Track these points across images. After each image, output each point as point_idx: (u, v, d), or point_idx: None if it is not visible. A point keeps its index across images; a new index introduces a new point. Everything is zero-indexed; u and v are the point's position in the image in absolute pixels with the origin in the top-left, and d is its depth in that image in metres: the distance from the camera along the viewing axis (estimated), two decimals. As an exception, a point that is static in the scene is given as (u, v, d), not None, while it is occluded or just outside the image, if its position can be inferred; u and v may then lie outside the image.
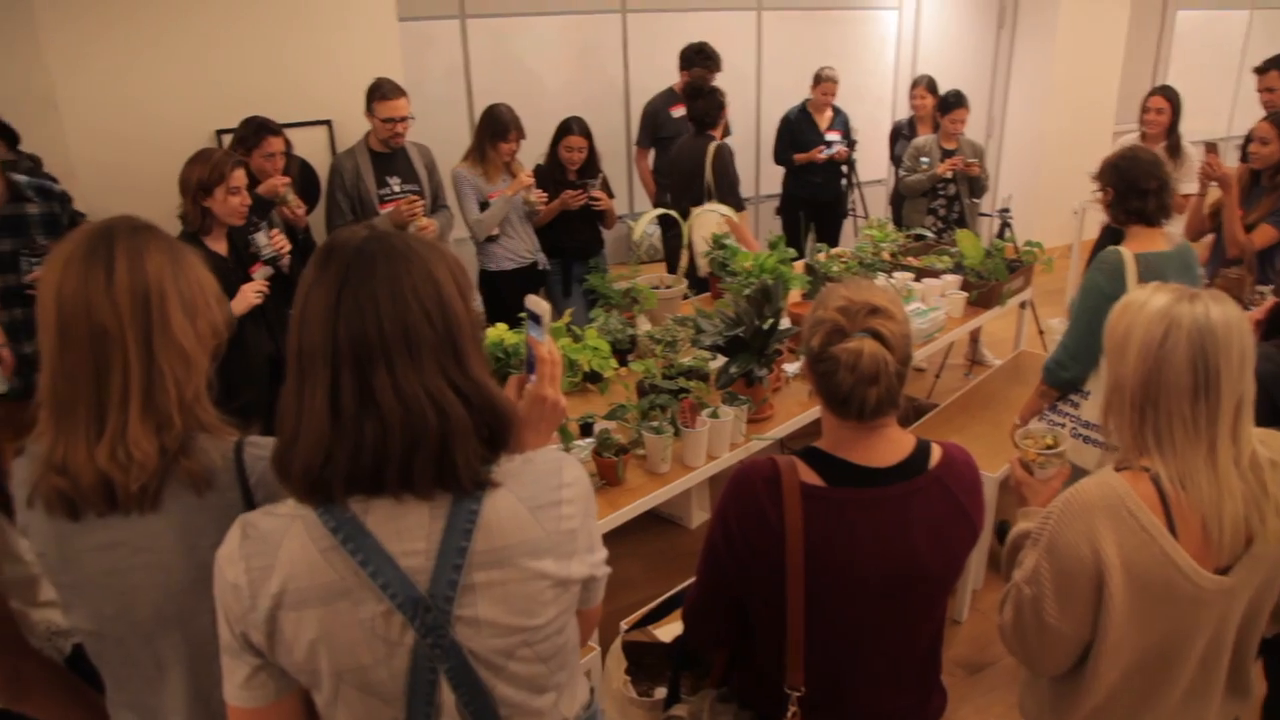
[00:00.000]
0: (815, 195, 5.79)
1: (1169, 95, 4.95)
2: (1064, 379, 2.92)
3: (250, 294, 3.21)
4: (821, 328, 1.46)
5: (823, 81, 5.61)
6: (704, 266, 4.17)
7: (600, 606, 1.31)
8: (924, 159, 5.26)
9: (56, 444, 1.26)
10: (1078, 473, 1.81)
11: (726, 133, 5.42)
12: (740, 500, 1.48)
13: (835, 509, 1.45)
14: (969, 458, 1.57)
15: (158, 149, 3.74)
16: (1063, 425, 2.94)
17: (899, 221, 5.32)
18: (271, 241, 3.32)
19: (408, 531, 1.09)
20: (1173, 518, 1.42)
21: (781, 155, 5.78)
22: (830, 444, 1.52)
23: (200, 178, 3.06)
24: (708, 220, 4.17)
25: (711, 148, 4.47)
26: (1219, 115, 9.69)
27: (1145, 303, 1.47)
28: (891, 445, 1.50)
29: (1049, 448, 1.83)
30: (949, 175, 5.18)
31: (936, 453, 1.53)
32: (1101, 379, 2.80)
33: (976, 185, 5.29)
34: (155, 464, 1.25)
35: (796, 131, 5.69)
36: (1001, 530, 3.70)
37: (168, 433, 1.27)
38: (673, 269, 4.40)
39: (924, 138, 5.41)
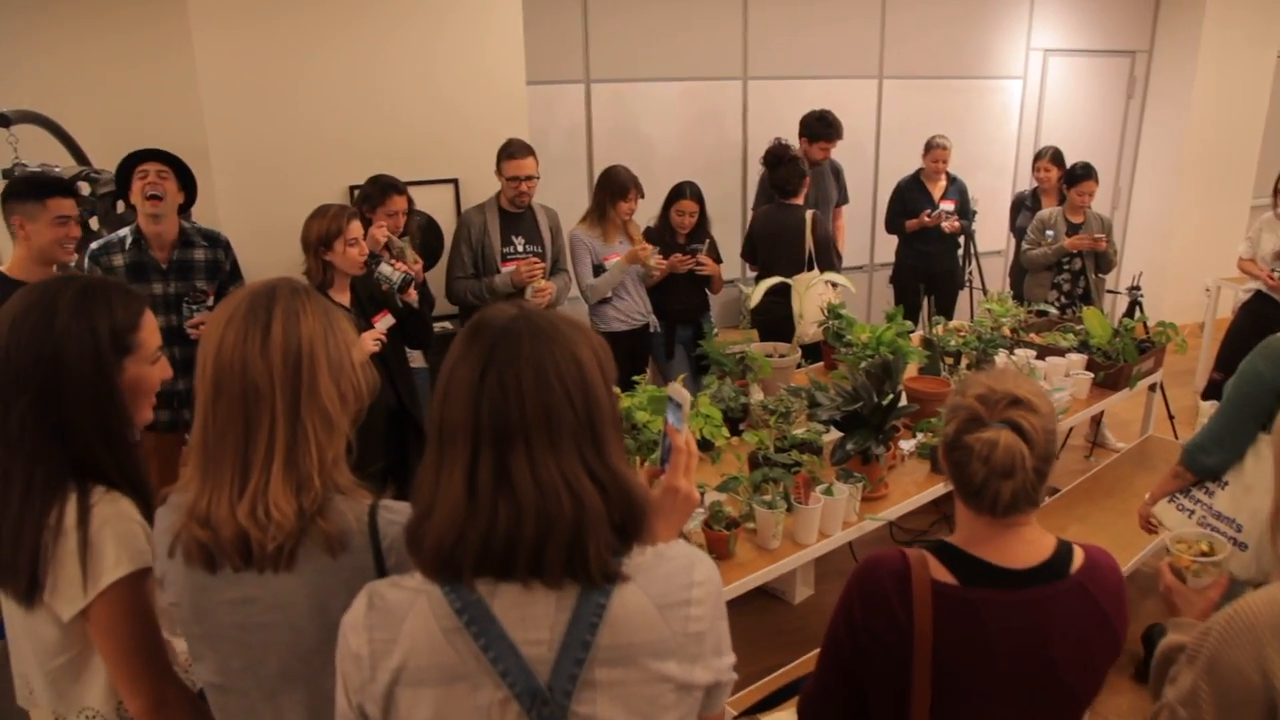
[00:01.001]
0: (929, 265, 5.67)
1: None
2: (1205, 465, 2.74)
3: (369, 343, 3.27)
4: (958, 415, 1.41)
5: (933, 149, 5.50)
6: (812, 334, 4.15)
7: (723, 713, 1.27)
8: (1049, 232, 5.11)
9: (201, 495, 1.30)
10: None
11: (844, 200, 5.41)
12: (867, 594, 1.43)
13: (968, 610, 1.38)
14: (1114, 563, 1.48)
15: (295, 202, 3.88)
16: (1192, 512, 2.78)
17: (1019, 295, 5.16)
18: (395, 268, 3.38)
19: (532, 619, 1.08)
20: None
21: (893, 223, 5.67)
22: (964, 539, 1.45)
23: (320, 233, 3.17)
24: (818, 288, 4.14)
25: (809, 216, 4.44)
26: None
27: None
28: (1030, 545, 1.43)
29: (1204, 554, 1.70)
30: (1074, 250, 5.03)
31: (1079, 556, 1.45)
32: (1244, 471, 2.67)
33: (1104, 261, 5.10)
34: (292, 524, 1.28)
35: (908, 200, 5.59)
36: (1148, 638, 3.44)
37: (306, 494, 1.29)
38: (765, 336, 4.38)
39: (1049, 210, 5.25)
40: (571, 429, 1.08)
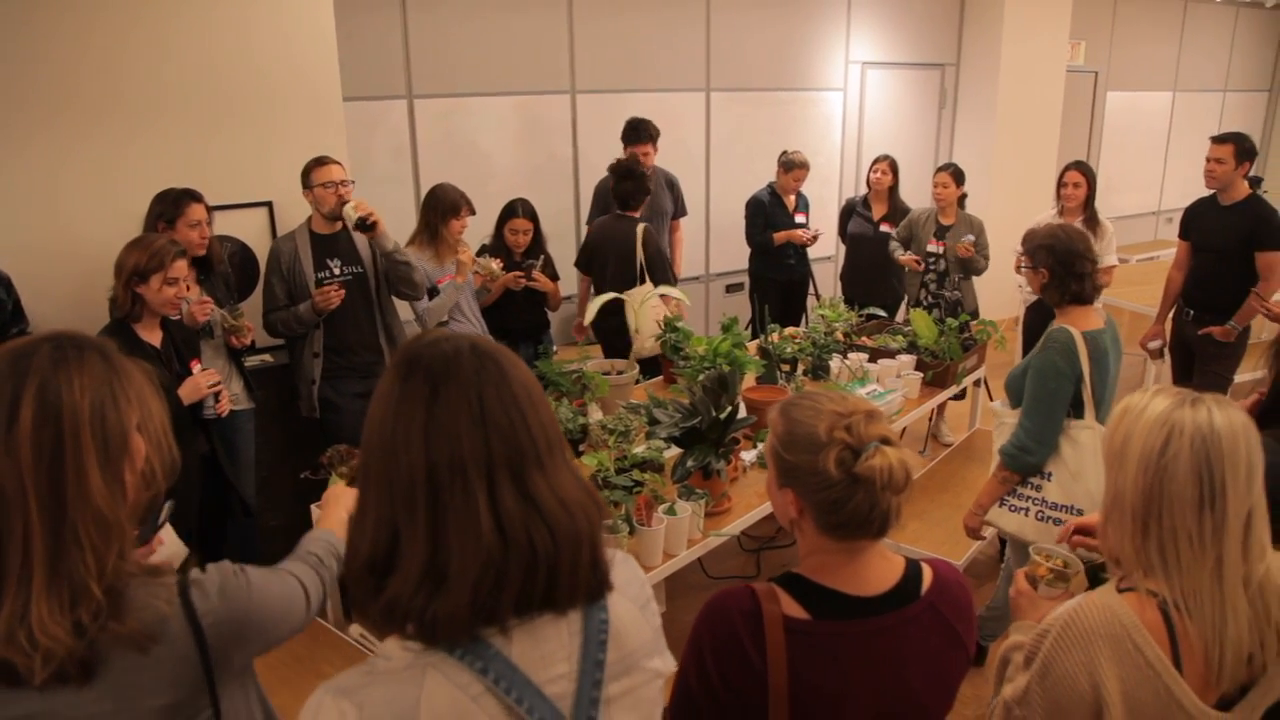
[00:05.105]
0: (790, 276, 5.78)
1: (1084, 170, 5.04)
2: (1031, 464, 2.85)
3: (203, 385, 3.05)
4: (830, 451, 1.30)
5: (795, 168, 5.57)
6: (649, 348, 4.13)
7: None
8: (895, 242, 5.32)
9: None
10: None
11: (681, 212, 5.41)
12: (717, 636, 1.33)
13: (822, 645, 1.31)
14: (961, 577, 1.45)
15: (82, 233, 3.53)
16: (1026, 510, 2.90)
17: (850, 299, 5.29)
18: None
19: (550, 656, 1.02)
20: (1178, 649, 1.32)
21: (758, 236, 5.68)
22: (814, 569, 1.38)
23: (137, 264, 2.90)
24: (652, 301, 4.11)
25: (640, 230, 4.42)
26: (1150, 190, 10.02)
27: (1144, 408, 1.37)
28: (882, 568, 1.38)
29: (1059, 569, 1.72)
30: (939, 252, 5.18)
31: (928, 575, 1.40)
32: (1065, 459, 2.82)
33: (969, 266, 5.19)
34: (69, 643, 1.06)
35: (771, 214, 5.65)
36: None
37: (84, 607, 1.07)
38: (609, 353, 4.31)
39: (921, 209, 5.40)
40: (558, 440, 1.06)
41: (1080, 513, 2.73)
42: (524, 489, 0.99)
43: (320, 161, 3.73)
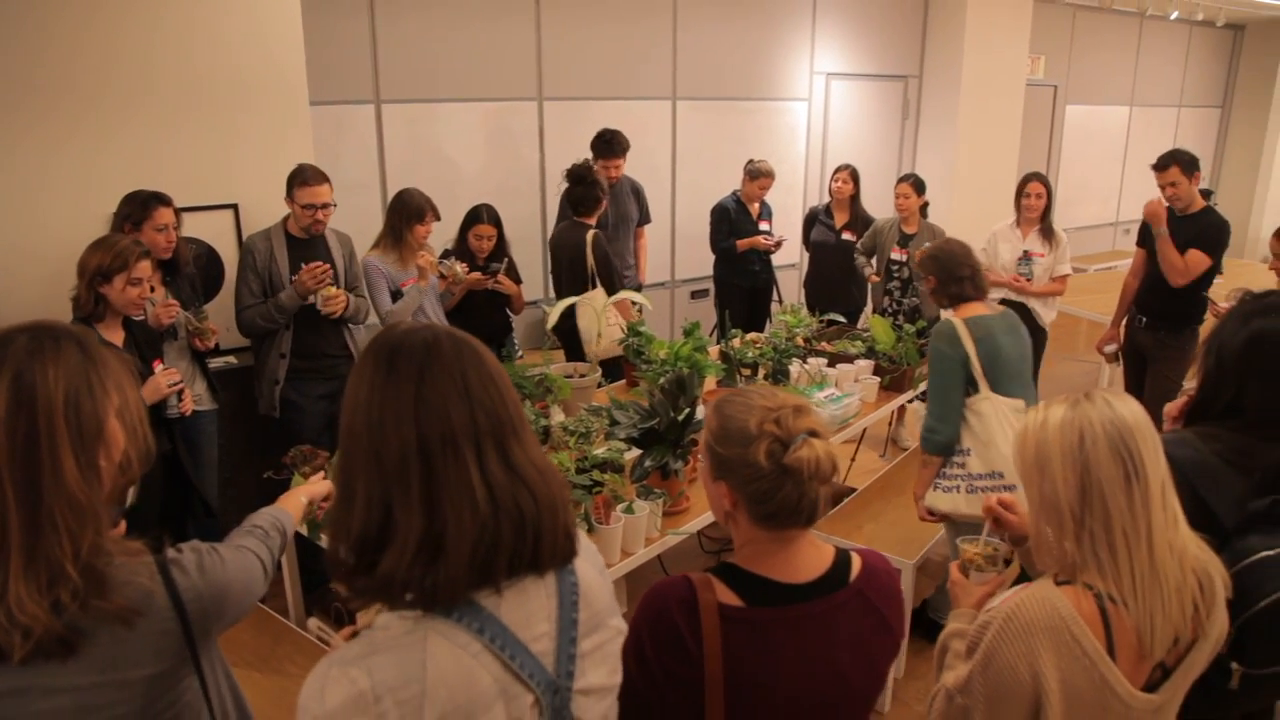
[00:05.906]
0: (754, 282, 5.87)
1: (1044, 180, 5.17)
2: (939, 443, 3.15)
3: (163, 385, 3.06)
4: (761, 443, 1.36)
5: (760, 176, 5.69)
6: (604, 349, 4.25)
7: None
8: (862, 257, 5.41)
9: None
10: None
11: (646, 219, 5.48)
12: (654, 624, 1.39)
13: (756, 631, 1.37)
14: (888, 565, 1.52)
15: (51, 229, 3.54)
16: (957, 487, 3.14)
17: (812, 305, 5.39)
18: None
19: (533, 615, 1.11)
20: (1113, 637, 1.40)
21: (722, 243, 5.78)
22: (747, 558, 1.44)
23: (100, 264, 2.92)
24: (593, 307, 4.21)
25: (589, 236, 4.48)
26: (1108, 202, 10.24)
27: (1045, 420, 1.47)
28: (813, 555, 1.44)
29: (988, 556, 1.80)
30: (903, 260, 5.29)
31: (856, 563, 1.47)
32: (974, 431, 3.10)
33: None
34: (45, 622, 1.10)
35: (736, 221, 5.75)
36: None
37: (62, 588, 1.11)
38: (570, 356, 4.38)
39: (885, 219, 5.50)
40: (525, 418, 1.15)
41: (1001, 476, 3.04)
42: (506, 458, 1.08)
43: (305, 180, 3.70)
